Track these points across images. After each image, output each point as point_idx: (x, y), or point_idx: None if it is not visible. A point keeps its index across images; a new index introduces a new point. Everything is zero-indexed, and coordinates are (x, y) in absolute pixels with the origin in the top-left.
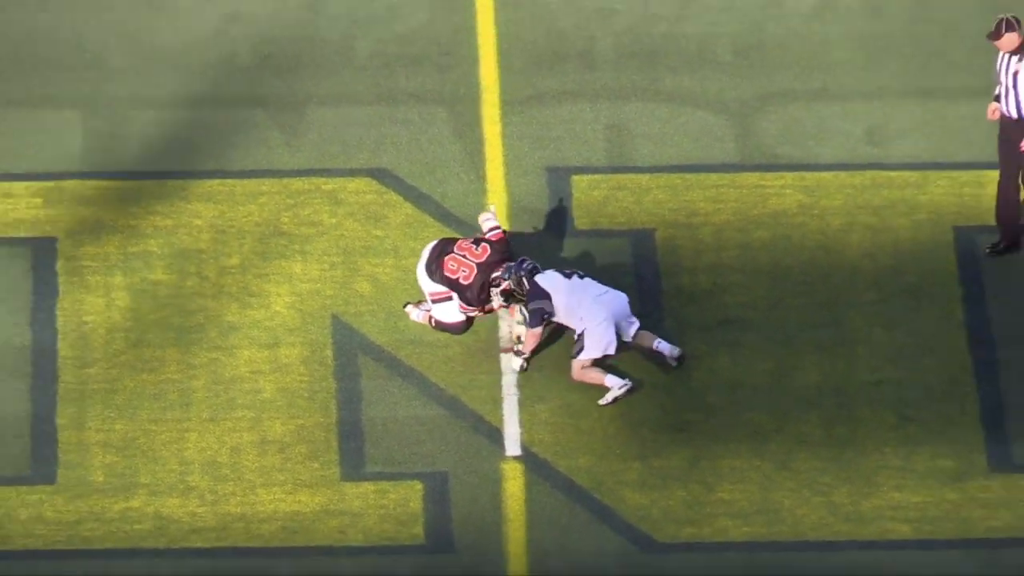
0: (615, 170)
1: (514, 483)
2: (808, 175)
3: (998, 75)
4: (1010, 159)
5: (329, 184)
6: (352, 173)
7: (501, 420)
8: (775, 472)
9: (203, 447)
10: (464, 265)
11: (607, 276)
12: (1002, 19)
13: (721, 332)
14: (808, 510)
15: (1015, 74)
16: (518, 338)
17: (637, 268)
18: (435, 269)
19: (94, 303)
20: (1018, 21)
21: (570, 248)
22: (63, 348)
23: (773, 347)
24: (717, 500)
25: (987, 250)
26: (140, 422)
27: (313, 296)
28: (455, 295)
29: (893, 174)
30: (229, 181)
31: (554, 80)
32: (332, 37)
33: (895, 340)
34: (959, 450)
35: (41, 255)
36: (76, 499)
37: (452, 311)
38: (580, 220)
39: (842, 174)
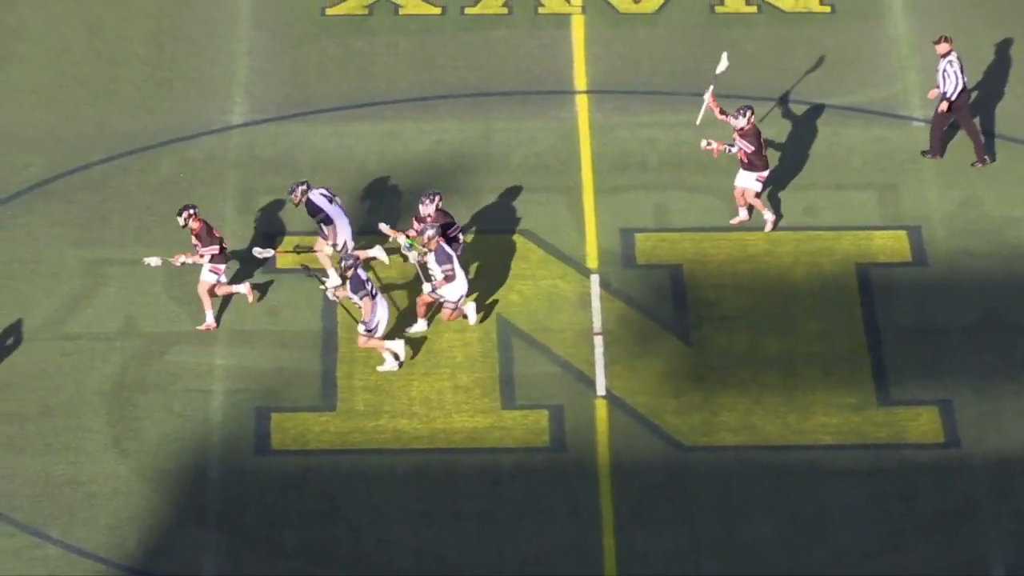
0: (659, 229)
1: (601, 410)
2: (772, 234)
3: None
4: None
5: (495, 238)
6: (510, 231)
7: (594, 374)
8: (752, 405)
9: (422, 390)
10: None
11: (653, 294)
12: None
13: (721, 323)
14: (771, 427)
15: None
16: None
17: (672, 287)
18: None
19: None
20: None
21: (632, 276)
22: (341, 331)
23: (751, 333)
24: (719, 422)
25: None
26: (383, 376)
27: (488, 303)
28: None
29: (819, 232)
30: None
31: (624, 178)
32: (496, 152)
33: (822, 328)
34: (857, 392)
35: None
36: (347, 420)
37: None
38: (639, 258)
39: (790, 232)
